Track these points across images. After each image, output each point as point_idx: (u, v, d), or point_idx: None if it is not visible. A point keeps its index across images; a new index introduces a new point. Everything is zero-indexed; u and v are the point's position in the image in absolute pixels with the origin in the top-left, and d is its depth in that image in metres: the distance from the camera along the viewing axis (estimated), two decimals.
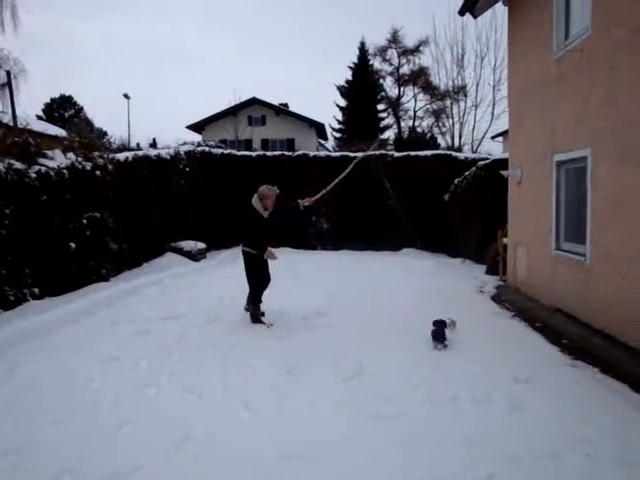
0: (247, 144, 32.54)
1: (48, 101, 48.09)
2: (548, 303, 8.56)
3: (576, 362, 5.86)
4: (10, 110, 17.61)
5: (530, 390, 5.01)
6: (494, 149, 31.15)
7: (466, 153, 22.81)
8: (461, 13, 11.62)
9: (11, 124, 14.01)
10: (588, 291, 7.28)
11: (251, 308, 7.61)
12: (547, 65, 8.69)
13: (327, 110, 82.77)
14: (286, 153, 19.57)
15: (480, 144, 30.11)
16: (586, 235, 7.33)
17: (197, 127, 37.79)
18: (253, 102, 36.98)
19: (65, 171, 9.47)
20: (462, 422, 4.32)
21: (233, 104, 34.94)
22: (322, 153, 20.48)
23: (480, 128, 30.22)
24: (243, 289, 7.82)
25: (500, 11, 21.02)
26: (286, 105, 41.26)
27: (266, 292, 7.77)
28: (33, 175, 8.69)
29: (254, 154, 19.41)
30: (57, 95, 48.63)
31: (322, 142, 43.98)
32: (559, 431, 4.13)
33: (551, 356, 6.17)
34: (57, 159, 9.54)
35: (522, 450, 3.83)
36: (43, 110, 47.01)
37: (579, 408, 4.59)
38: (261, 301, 7.71)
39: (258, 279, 7.65)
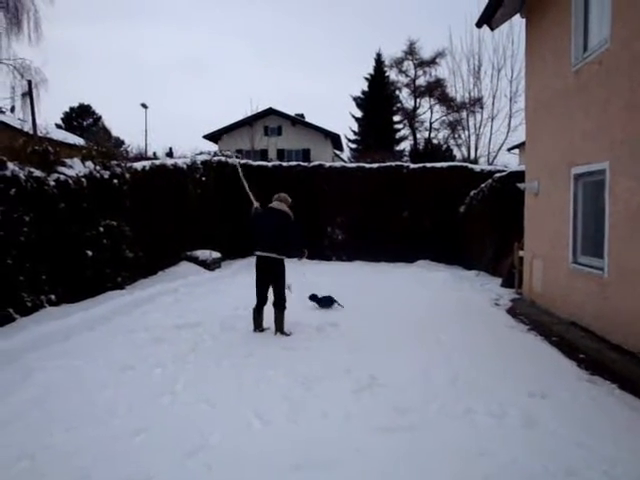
0: (263, 154, 32.70)
1: (67, 110, 48.77)
2: (564, 317, 8.47)
3: (593, 377, 5.77)
4: (31, 119, 17.85)
5: (546, 405, 4.95)
6: (510, 161, 30.90)
7: (482, 165, 22.68)
8: (478, 25, 11.62)
9: (31, 133, 14.21)
10: (606, 305, 7.19)
11: (283, 315, 7.62)
12: (565, 77, 8.65)
13: (343, 121, 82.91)
14: (302, 163, 19.61)
15: (496, 156, 30.01)
16: (604, 249, 7.25)
17: (213, 137, 38.09)
18: (269, 112, 37.20)
19: (83, 179, 9.57)
20: (476, 436, 4.27)
21: (249, 114, 35.20)
22: (337, 164, 20.53)
23: (496, 140, 30.12)
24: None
25: (517, 23, 20.97)
26: (302, 116, 41.45)
27: None
28: (52, 183, 8.79)
29: (270, 164, 19.48)
30: (76, 104, 49.33)
31: (338, 153, 44.11)
32: (576, 448, 4.06)
33: (567, 371, 6.09)
34: (76, 167, 9.64)
35: (538, 466, 3.78)
36: (62, 119, 47.68)
37: (597, 425, 4.52)
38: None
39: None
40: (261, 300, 7.69)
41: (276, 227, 7.55)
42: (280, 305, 7.59)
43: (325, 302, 9.37)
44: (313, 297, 9.43)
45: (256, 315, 7.68)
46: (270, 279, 7.64)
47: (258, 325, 7.65)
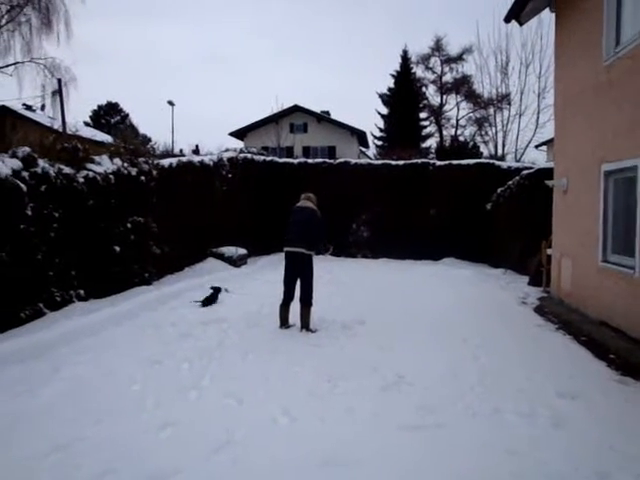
0: (289, 151, 32.74)
1: (95, 108, 49.45)
2: (594, 316, 8.32)
3: (624, 378, 5.66)
4: (60, 117, 18.16)
5: (576, 406, 4.87)
6: (538, 158, 30.46)
7: (509, 162, 22.40)
8: (507, 20, 11.45)
9: (61, 130, 14.44)
10: (636, 305, 7.04)
11: (309, 311, 7.63)
12: (596, 72, 8.49)
13: (369, 118, 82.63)
14: (328, 160, 19.60)
15: (524, 153, 29.59)
16: (635, 247, 7.09)
17: (239, 134, 38.23)
18: (295, 110, 37.21)
19: (111, 176, 9.70)
20: (504, 435, 4.22)
21: (275, 111, 35.21)
22: (363, 161, 20.45)
23: (524, 137, 29.73)
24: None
25: (546, 17, 20.62)
26: (328, 113, 41.39)
27: None
28: (81, 180, 8.92)
29: (296, 161, 19.49)
30: (104, 102, 49.97)
31: (363, 150, 43.94)
32: (607, 449, 3.99)
33: (597, 371, 5.98)
34: (104, 164, 9.78)
35: (568, 467, 3.72)
36: (90, 117, 48.32)
37: (628, 426, 4.44)
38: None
39: None
40: (288, 296, 7.73)
41: (303, 223, 7.66)
42: (307, 301, 7.61)
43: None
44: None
45: (283, 311, 7.71)
46: (298, 274, 7.68)
47: (284, 321, 7.68)
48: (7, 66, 22.74)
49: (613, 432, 4.30)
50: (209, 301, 9.30)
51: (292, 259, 7.68)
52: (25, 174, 7.73)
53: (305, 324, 7.56)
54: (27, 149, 8.00)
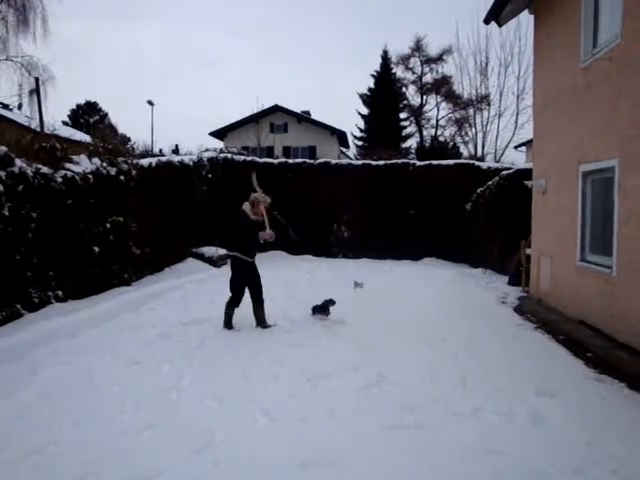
0: (269, 151, 32.67)
1: (74, 107, 48.82)
2: (572, 315, 8.43)
3: (602, 376, 5.74)
4: (38, 116, 17.89)
5: (554, 404, 4.92)
6: (517, 159, 30.79)
7: (489, 162, 22.64)
8: (486, 22, 11.56)
9: (39, 129, 14.24)
10: (614, 304, 7.15)
11: (228, 311, 7.64)
12: (574, 74, 8.60)
13: (349, 118, 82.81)
14: (308, 161, 19.60)
15: (503, 154, 29.90)
16: (612, 247, 7.20)
17: (219, 134, 38.06)
18: (275, 109, 37.16)
19: (90, 176, 9.59)
20: (484, 434, 4.24)
21: (255, 111, 35.14)
22: (344, 161, 20.50)
23: (503, 137, 30.03)
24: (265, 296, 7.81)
25: (525, 19, 20.87)
26: (308, 113, 41.38)
27: (287, 299, 7.74)
28: (59, 179, 8.81)
29: (276, 161, 19.49)
30: (82, 101, 49.37)
31: (344, 150, 44.02)
32: (584, 446, 4.04)
33: (575, 369, 6.05)
34: (82, 164, 9.66)
35: (546, 464, 3.75)
36: (69, 116, 47.72)
37: (605, 424, 4.49)
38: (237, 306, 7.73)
39: (242, 285, 7.70)
40: (251, 297, 7.77)
41: (230, 225, 7.87)
42: (230, 300, 7.66)
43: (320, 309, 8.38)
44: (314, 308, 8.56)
45: (254, 311, 7.75)
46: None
47: (260, 321, 7.69)
48: None
49: (590, 429, 4.35)
50: (322, 309, 8.35)
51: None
52: (2, 174, 7.60)
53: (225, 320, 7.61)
54: (4, 148, 7.87)
